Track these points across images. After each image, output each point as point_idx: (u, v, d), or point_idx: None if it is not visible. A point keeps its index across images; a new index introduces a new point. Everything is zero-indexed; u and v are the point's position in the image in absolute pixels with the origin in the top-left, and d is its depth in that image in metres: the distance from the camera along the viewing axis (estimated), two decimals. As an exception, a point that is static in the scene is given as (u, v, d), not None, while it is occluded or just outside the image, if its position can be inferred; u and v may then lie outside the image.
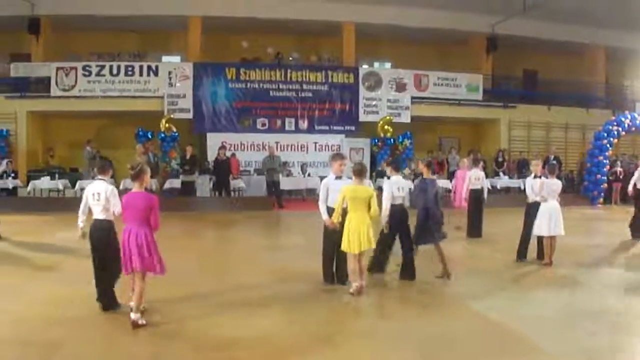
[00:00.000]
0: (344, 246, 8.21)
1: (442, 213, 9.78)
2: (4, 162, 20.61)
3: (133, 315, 6.58)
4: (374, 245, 8.29)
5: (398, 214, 9.15)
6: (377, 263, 9.58)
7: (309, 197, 22.19)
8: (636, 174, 13.58)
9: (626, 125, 23.87)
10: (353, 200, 8.14)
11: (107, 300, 7.16)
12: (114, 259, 7.00)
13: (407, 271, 9.26)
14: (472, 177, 14.38)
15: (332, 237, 8.52)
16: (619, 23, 25.08)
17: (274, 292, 8.43)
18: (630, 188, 14.36)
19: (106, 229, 7.13)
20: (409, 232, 9.34)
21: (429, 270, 9.82)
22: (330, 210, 8.49)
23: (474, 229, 14.13)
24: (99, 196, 7.09)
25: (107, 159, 21.45)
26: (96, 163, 7.73)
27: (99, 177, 7.39)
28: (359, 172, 8.31)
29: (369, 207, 8.16)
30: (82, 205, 7.26)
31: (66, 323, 6.72)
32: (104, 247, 7.09)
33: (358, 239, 8.05)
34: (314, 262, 9.35)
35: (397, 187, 9.10)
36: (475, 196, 14.28)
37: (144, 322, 6.62)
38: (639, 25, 24.05)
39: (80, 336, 6.33)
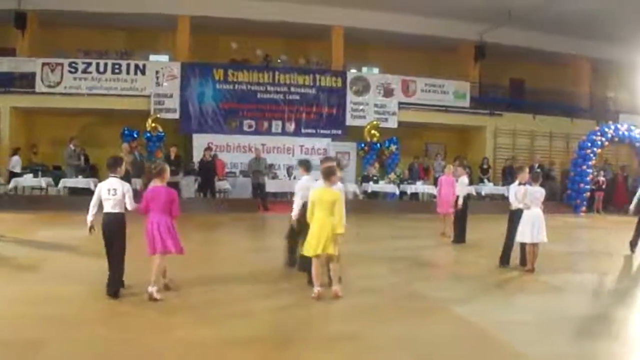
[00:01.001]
0: (304, 249, 8.21)
1: None
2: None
3: (150, 288, 7.59)
4: (334, 252, 8.01)
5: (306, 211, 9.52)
6: (290, 260, 10.06)
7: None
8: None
9: (609, 136, 24.28)
10: (318, 203, 8.01)
11: (113, 287, 7.73)
12: (122, 247, 7.84)
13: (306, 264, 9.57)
14: (463, 184, 14.49)
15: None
16: (603, 35, 25.36)
17: (258, 294, 8.38)
18: (632, 207, 13.80)
19: (121, 220, 7.83)
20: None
21: (411, 276, 9.97)
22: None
23: (459, 235, 14.23)
24: (115, 192, 7.77)
25: (87, 156, 21.76)
26: (108, 161, 8.00)
27: (111, 174, 7.97)
28: (326, 175, 8.12)
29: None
30: (94, 200, 7.83)
31: (49, 322, 6.65)
32: (122, 236, 7.84)
33: (317, 242, 7.92)
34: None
35: (307, 186, 9.15)
36: (462, 202, 14.35)
37: (160, 297, 7.64)
38: (623, 38, 24.29)
39: (63, 335, 6.25)
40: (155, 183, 8.02)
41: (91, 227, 7.86)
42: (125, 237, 7.87)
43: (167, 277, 8.24)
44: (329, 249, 7.93)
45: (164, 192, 7.94)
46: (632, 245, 13.17)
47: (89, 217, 7.81)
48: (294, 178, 22.72)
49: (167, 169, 8.17)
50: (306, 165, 9.94)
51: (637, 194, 13.63)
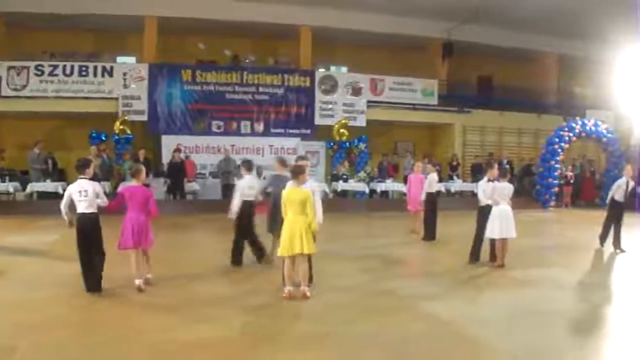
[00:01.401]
0: (279, 249, 8.26)
1: None
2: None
3: (137, 282, 8.43)
4: (310, 250, 8.10)
5: (248, 209, 10.44)
6: (235, 260, 10.67)
7: (265, 200, 22.14)
8: (614, 186, 13.61)
9: (577, 131, 24.58)
10: (288, 203, 8.08)
11: (97, 282, 8.28)
12: (101, 244, 8.35)
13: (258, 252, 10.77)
14: (433, 181, 14.63)
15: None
16: (571, 32, 25.70)
17: (228, 295, 8.49)
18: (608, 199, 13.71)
19: (96, 220, 8.29)
20: (253, 224, 10.64)
21: (382, 274, 10.14)
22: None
23: (429, 232, 14.37)
24: (86, 193, 8.21)
25: (55, 160, 21.52)
26: (78, 162, 8.65)
27: (81, 176, 8.41)
28: (295, 174, 8.22)
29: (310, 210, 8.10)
30: (65, 201, 8.27)
31: (21, 328, 6.69)
32: (97, 235, 8.31)
33: (290, 242, 7.98)
34: (270, 265, 9.74)
35: (248, 185, 9.79)
36: (432, 200, 14.55)
37: (144, 288, 8.46)
38: (590, 34, 24.56)
39: (35, 341, 6.27)
40: (132, 183, 8.86)
41: (70, 221, 8.34)
42: (102, 236, 8.36)
43: (150, 272, 8.98)
44: (304, 249, 7.99)
45: (140, 191, 8.60)
46: (602, 239, 13.39)
47: (65, 216, 8.29)
48: (264, 178, 22.69)
49: (143, 169, 9.07)
50: (248, 165, 10.66)
51: (613, 187, 13.62)
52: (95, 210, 8.28)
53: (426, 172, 15.10)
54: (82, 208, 8.18)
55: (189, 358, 5.94)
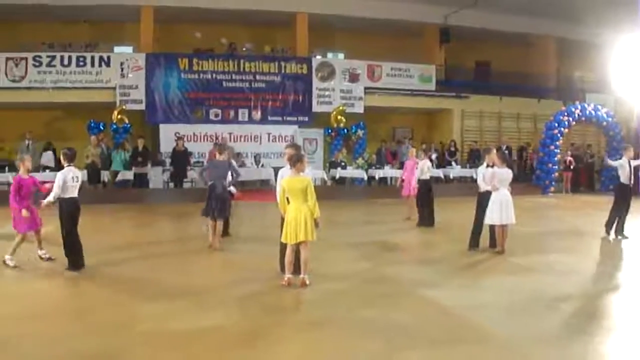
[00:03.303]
0: (282, 237, 8.23)
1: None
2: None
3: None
4: (313, 238, 8.12)
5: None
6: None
7: (263, 187, 22.26)
8: (617, 167, 13.19)
9: (576, 116, 24.42)
10: (290, 192, 8.10)
11: (82, 259, 9.14)
12: None
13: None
14: (425, 167, 14.65)
15: None
16: (569, 15, 25.44)
17: (226, 284, 8.49)
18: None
19: (79, 203, 9.18)
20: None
21: (381, 261, 10.16)
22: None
23: (426, 218, 14.40)
24: (77, 179, 9.12)
25: (55, 149, 21.59)
26: (70, 152, 9.39)
27: (72, 164, 9.21)
28: (293, 162, 8.19)
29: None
30: (62, 184, 8.84)
31: (9, 319, 6.71)
32: (79, 216, 9.18)
33: (295, 230, 7.99)
34: (267, 252, 9.50)
35: (71, 176, 9.29)
36: (426, 186, 14.57)
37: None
38: (589, 17, 24.42)
39: (27, 332, 6.23)
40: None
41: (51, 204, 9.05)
42: None
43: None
44: (308, 236, 8.03)
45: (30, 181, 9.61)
46: (608, 226, 12.80)
47: (51, 200, 8.94)
48: (262, 166, 22.90)
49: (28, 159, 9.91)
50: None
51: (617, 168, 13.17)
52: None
53: (419, 159, 15.17)
54: (72, 193, 9.02)
55: (186, 347, 5.87)
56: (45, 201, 9.03)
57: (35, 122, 22.98)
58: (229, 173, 11.52)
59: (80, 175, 9.37)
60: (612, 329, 6.71)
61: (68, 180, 8.92)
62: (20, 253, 9.45)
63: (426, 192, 14.56)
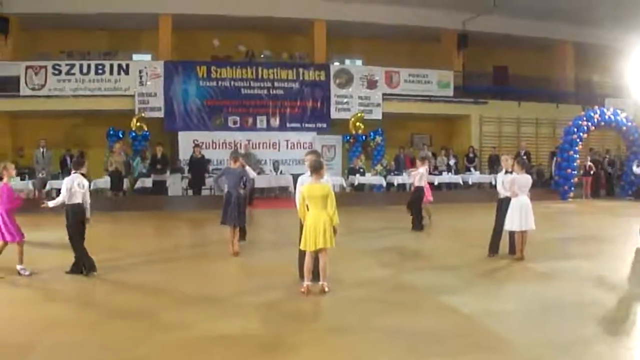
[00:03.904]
0: (301, 244, 8.20)
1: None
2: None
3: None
4: (332, 245, 8.07)
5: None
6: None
7: (281, 195, 22.32)
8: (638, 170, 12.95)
9: (595, 120, 24.20)
10: (310, 199, 8.06)
11: (93, 263, 9.26)
12: None
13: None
14: (421, 175, 14.93)
15: None
16: (586, 19, 25.37)
17: (246, 290, 8.44)
18: None
19: (83, 208, 9.41)
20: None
21: (400, 268, 10.07)
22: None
23: (417, 225, 14.74)
24: (83, 186, 9.35)
25: (72, 157, 21.68)
26: (78, 160, 10.04)
27: (79, 171, 9.47)
28: (314, 169, 8.16)
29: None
30: (68, 193, 9.17)
31: (36, 325, 6.72)
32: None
33: (314, 237, 7.95)
34: (286, 259, 9.51)
35: (77, 182, 9.45)
36: (419, 194, 14.94)
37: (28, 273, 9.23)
38: (607, 21, 24.32)
39: (52, 339, 6.23)
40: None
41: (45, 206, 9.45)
42: None
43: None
44: (327, 243, 8.00)
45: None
46: None
47: (55, 203, 9.31)
48: (281, 173, 22.92)
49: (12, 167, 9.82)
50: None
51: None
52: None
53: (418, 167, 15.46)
54: (78, 199, 9.31)
55: (208, 354, 5.85)
56: (50, 203, 9.43)
57: (54, 130, 23.21)
58: (242, 179, 11.64)
59: (86, 182, 9.61)
60: (636, 337, 6.63)
61: (74, 186, 9.23)
62: (34, 260, 9.53)
63: (418, 199, 14.86)
